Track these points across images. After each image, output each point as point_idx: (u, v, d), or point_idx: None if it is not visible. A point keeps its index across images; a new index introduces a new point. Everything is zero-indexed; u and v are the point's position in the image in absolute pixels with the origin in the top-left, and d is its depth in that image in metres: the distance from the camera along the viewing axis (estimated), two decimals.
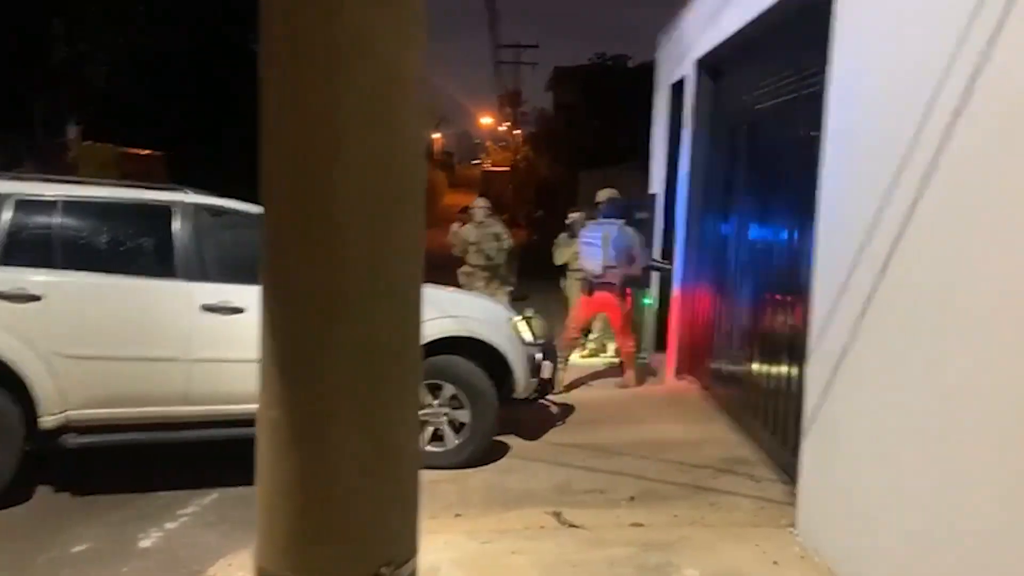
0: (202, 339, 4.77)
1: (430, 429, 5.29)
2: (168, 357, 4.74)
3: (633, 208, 8.67)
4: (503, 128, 44.16)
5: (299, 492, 1.26)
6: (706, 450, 5.53)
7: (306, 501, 1.25)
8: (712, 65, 7.27)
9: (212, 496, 4.82)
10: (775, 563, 3.73)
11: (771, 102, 5.69)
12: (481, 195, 11.24)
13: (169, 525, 4.44)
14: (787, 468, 4.76)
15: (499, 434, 5.60)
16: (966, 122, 2.75)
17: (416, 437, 1.34)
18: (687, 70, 7.72)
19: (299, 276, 1.27)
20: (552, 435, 6.01)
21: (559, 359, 6.86)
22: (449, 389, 5.29)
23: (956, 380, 2.76)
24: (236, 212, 5.12)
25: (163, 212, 4.95)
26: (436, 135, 57.45)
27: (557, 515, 4.35)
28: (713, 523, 4.27)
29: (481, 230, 8.78)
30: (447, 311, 5.39)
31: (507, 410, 5.63)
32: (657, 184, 9.22)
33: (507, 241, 8.95)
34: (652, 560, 3.72)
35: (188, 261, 4.88)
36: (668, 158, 8.70)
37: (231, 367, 4.62)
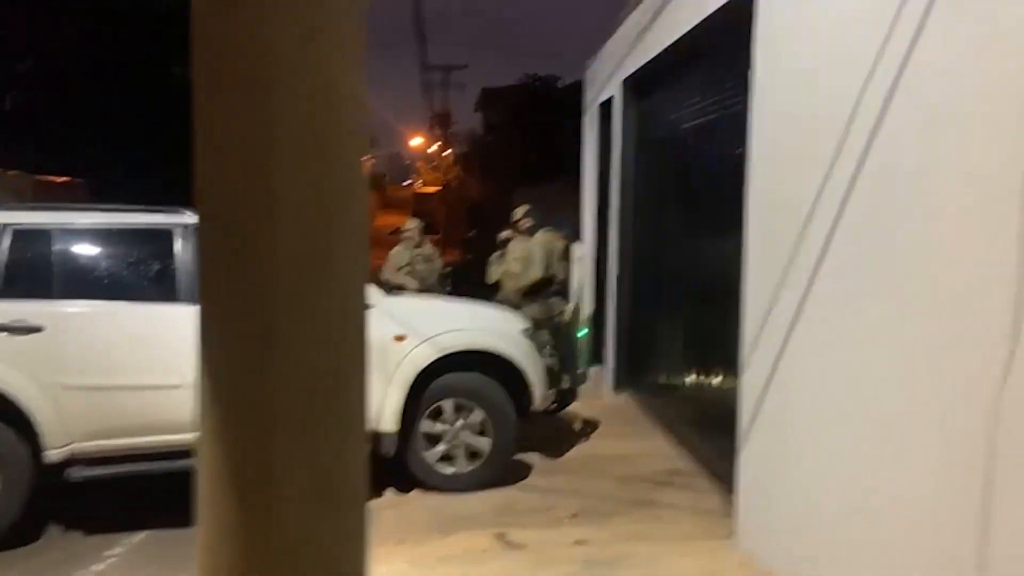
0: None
1: (455, 452, 5.23)
2: (173, 384, 4.61)
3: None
4: (434, 149, 44.14)
5: (242, 531, 1.21)
6: (646, 464, 5.59)
7: (249, 540, 1.21)
8: (638, 85, 7.42)
9: (140, 536, 4.65)
10: (717, 573, 3.78)
11: (697, 120, 5.82)
12: (414, 216, 11.22)
13: (96, 567, 4.26)
14: (725, 478, 4.84)
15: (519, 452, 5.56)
16: (884, 134, 2.86)
17: (363, 468, 1.31)
18: (614, 90, 7.86)
19: (234, 301, 1.23)
20: None
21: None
22: (469, 407, 5.25)
23: (886, 386, 2.85)
24: None
25: (163, 235, 4.85)
26: (366, 156, 56.96)
27: (500, 536, 4.32)
28: (655, 536, 4.30)
29: (412, 252, 8.77)
30: (460, 324, 5.37)
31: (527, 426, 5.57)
32: (588, 202, 9.34)
33: (438, 262, 8.96)
34: None
35: (191, 284, 4.76)
36: (599, 176, 8.83)
37: None
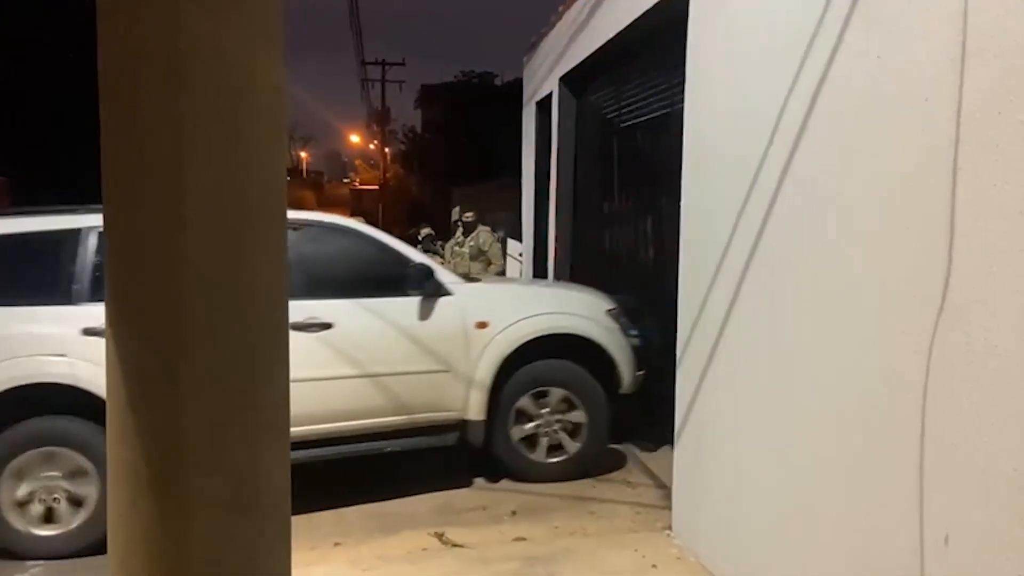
0: (293, 359, 4.52)
1: (544, 441, 5.16)
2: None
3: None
4: (372, 146, 43.69)
5: (156, 539, 1.16)
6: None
7: (164, 549, 1.16)
8: (576, 82, 7.45)
9: None
10: (654, 566, 3.82)
11: (635, 118, 5.87)
12: (353, 214, 11.10)
13: None
14: (664, 472, 4.90)
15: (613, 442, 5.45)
16: (810, 134, 2.92)
17: (285, 474, 1.27)
18: (552, 87, 7.87)
19: (145, 305, 1.18)
20: None
21: None
22: (559, 394, 5.15)
23: (810, 383, 2.91)
24: (316, 224, 4.92)
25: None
26: (304, 154, 56.11)
27: (440, 536, 4.30)
28: (594, 532, 4.33)
29: None
30: (543, 308, 5.22)
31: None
32: (527, 198, 9.35)
33: None
34: (536, 574, 3.73)
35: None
36: (538, 172, 8.84)
37: (325, 385, 4.56)
